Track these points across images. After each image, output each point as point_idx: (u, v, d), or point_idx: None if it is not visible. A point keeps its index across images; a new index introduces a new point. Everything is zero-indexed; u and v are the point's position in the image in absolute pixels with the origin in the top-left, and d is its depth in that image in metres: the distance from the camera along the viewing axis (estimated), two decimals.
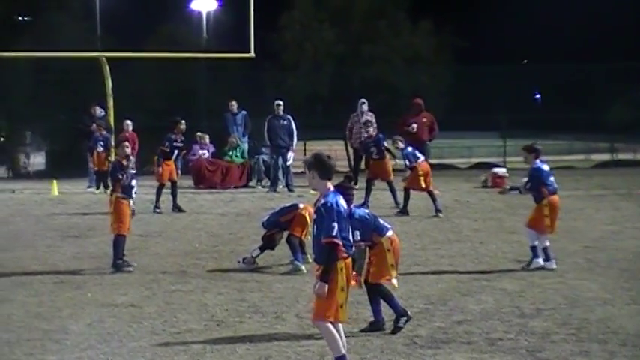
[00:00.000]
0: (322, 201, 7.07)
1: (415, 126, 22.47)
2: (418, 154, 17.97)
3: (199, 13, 46.58)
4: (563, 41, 63.81)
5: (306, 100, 39.70)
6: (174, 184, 19.13)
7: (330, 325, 7.05)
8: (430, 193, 17.69)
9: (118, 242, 12.13)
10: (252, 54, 26.01)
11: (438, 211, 17.51)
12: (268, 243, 12.37)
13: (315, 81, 43.33)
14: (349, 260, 7.14)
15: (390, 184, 18.98)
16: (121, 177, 12.23)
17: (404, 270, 11.42)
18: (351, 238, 7.21)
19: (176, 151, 19.37)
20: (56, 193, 23.21)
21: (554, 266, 11.76)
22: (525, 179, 12.19)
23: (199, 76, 36.50)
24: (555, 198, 12.06)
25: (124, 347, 8.13)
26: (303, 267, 11.71)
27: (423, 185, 17.57)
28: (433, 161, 29.89)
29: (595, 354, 7.64)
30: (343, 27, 47.26)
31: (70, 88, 32.49)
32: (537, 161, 12.06)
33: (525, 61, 50.84)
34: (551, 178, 12.11)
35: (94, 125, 24.50)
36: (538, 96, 50.38)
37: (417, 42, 48.20)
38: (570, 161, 39.48)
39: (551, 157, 41.41)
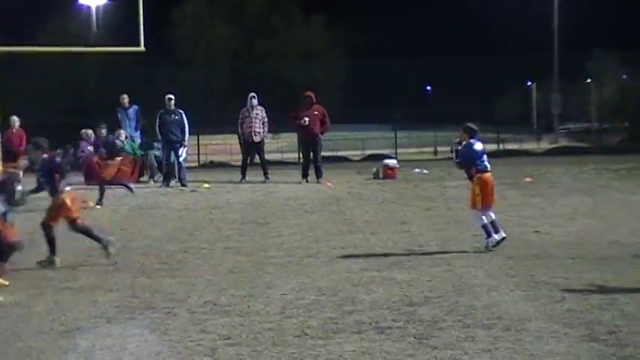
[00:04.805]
0: None
1: (307, 119, 22.65)
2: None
3: (89, 7, 45.86)
4: (454, 36, 65.02)
5: (200, 95, 39.56)
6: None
7: None
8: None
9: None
10: (142, 48, 25.63)
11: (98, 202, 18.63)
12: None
13: (209, 76, 43.14)
14: None
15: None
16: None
17: (296, 262, 11.52)
18: None
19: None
20: None
21: (504, 235, 12.44)
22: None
23: (91, 71, 35.95)
24: (487, 175, 12.59)
25: (10, 348, 7.96)
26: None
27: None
28: (327, 153, 30.18)
29: (480, 339, 7.83)
30: (237, 22, 47.14)
31: None
32: (471, 140, 12.68)
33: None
34: (484, 157, 12.67)
35: None
36: (429, 89, 51.34)
37: (311, 37, 48.48)
38: None
39: (442, 148, 42.34)
